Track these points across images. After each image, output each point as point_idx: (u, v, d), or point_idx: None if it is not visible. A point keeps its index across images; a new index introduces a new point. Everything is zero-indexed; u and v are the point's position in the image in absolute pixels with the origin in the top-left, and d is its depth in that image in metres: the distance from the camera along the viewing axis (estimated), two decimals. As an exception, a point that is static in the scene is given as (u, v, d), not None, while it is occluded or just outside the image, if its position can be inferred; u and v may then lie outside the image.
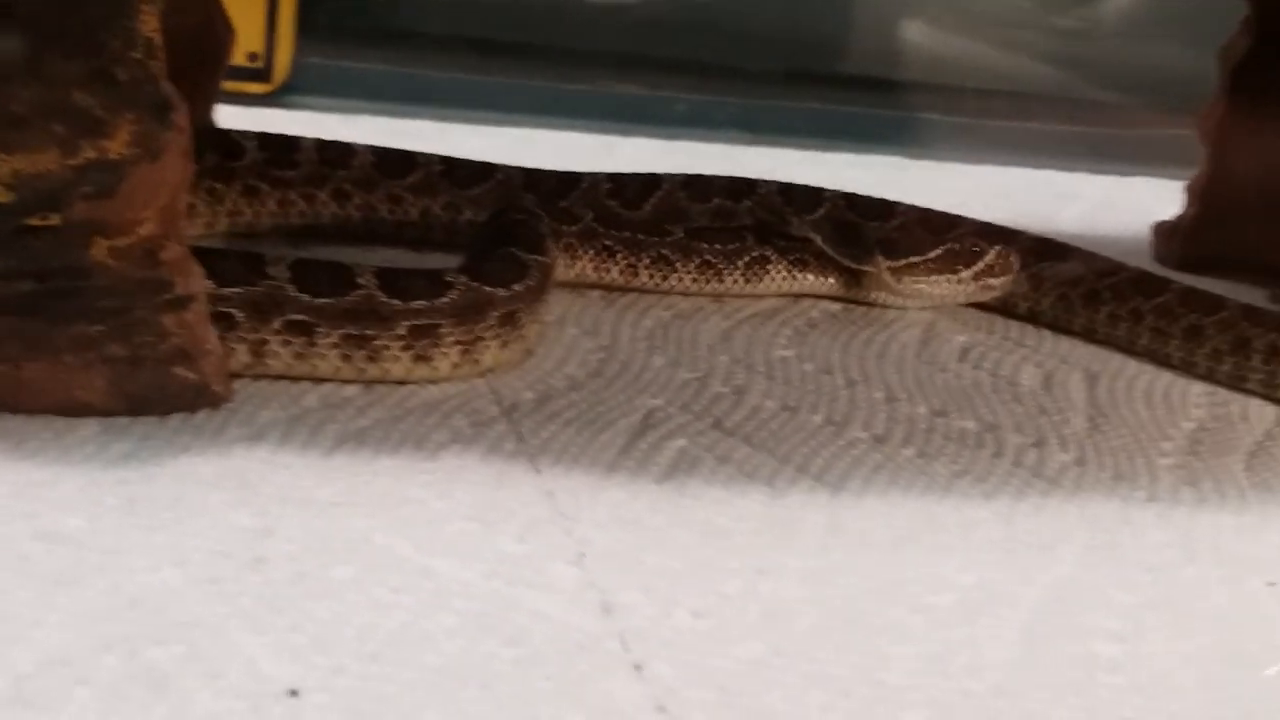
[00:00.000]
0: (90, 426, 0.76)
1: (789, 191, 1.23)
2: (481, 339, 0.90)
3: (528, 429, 0.84)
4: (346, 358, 0.86)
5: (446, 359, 0.89)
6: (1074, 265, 1.18)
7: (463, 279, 0.89)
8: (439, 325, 0.88)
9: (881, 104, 1.92)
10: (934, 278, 1.12)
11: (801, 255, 1.13)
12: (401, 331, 0.86)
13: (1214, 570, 0.79)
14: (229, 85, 1.58)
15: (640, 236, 1.10)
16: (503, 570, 0.68)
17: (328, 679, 0.57)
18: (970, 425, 0.95)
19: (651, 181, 1.21)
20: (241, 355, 0.84)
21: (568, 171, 1.20)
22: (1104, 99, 2.14)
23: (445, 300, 0.88)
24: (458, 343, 0.89)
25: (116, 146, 0.72)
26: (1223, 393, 1.08)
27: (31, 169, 0.70)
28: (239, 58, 1.60)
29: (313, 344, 0.85)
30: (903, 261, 1.12)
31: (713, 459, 0.84)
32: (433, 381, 0.89)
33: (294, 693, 0.56)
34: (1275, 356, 1.06)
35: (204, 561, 0.64)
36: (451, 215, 1.16)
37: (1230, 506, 0.88)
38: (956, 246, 1.13)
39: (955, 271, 1.12)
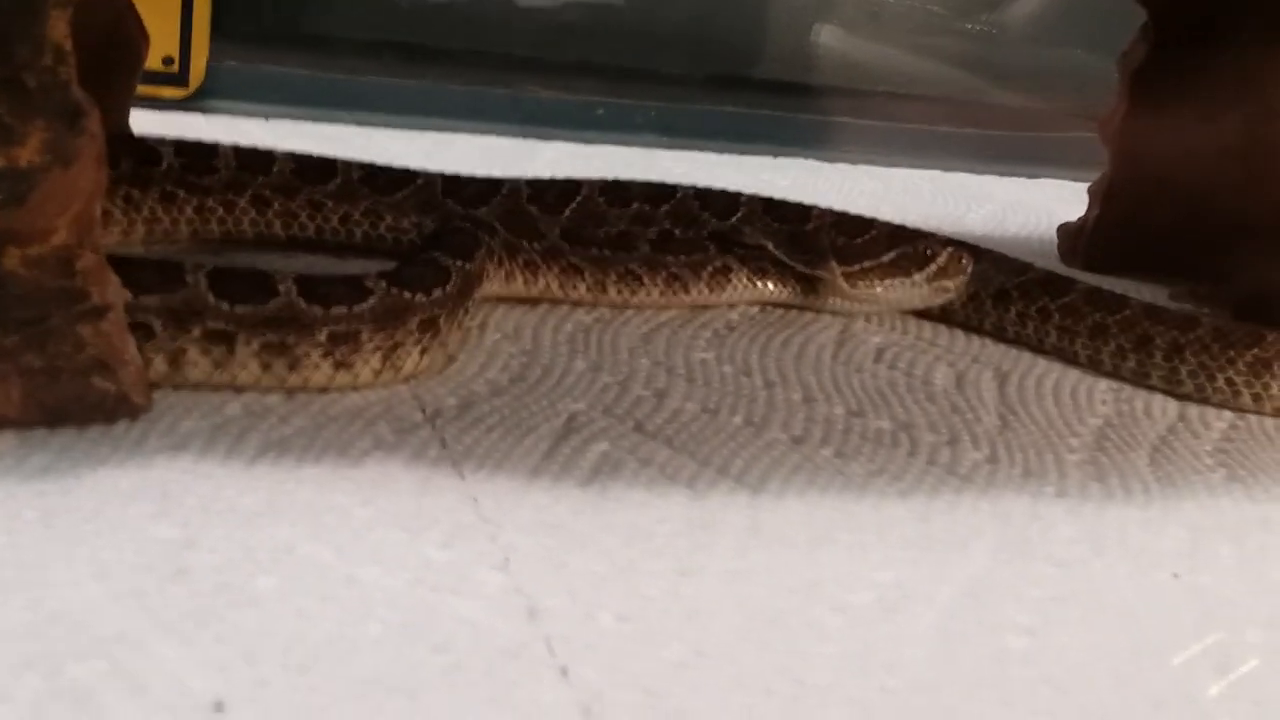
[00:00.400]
0: (7, 440, 0.75)
1: (706, 196, 1.25)
2: (402, 345, 0.90)
3: (451, 435, 0.85)
4: (267, 366, 0.86)
5: (367, 366, 0.89)
6: (985, 266, 1.21)
7: (382, 284, 0.89)
8: (359, 331, 0.88)
9: (796, 108, 1.95)
10: (888, 281, 1.14)
11: (761, 263, 1.14)
12: (322, 339, 0.86)
13: (1121, 563, 0.82)
14: (145, 90, 1.56)
15: (607, 253, 1.10)
16: (428, 577, 0.68)
17: (253, 691, 0.57)
18: (886, 425, 0.97)
19: (571, 187, 1.21)
20: (160, 365, 0.83)
21: (488, 177, 1.21)
22: (1011, 102, 2.19)
23: (365, 306, 0.88)
24: (378, 349, 0.89)
25: (27, 154, 0.71)
26: (1127, 389, 1.11)
27: (-59, 179, 0.69)
28: (154, 62, 1.58)
29: (232, 352, 0.85)
30: (856, 266, 1.14)
31: (635, 462, 0.85)
32: (354, 389, 0.89)
33: (219, 706, 0.56)
34: (1176, 353, 1.09)
35: (126, 575, 0.64)
36: (372, 221, 1.16)
37: (1136, 501, 0.91)
38: (909, 250, 1.14)
39: (909, 274, 1.14)
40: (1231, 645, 0.73)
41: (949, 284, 1.15)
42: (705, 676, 0.64)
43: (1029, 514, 0.86)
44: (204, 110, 1.60)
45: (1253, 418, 1.08)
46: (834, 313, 1.16)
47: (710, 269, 1.13)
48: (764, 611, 0.70)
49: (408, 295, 0.90)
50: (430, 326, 0.91)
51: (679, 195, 1.24)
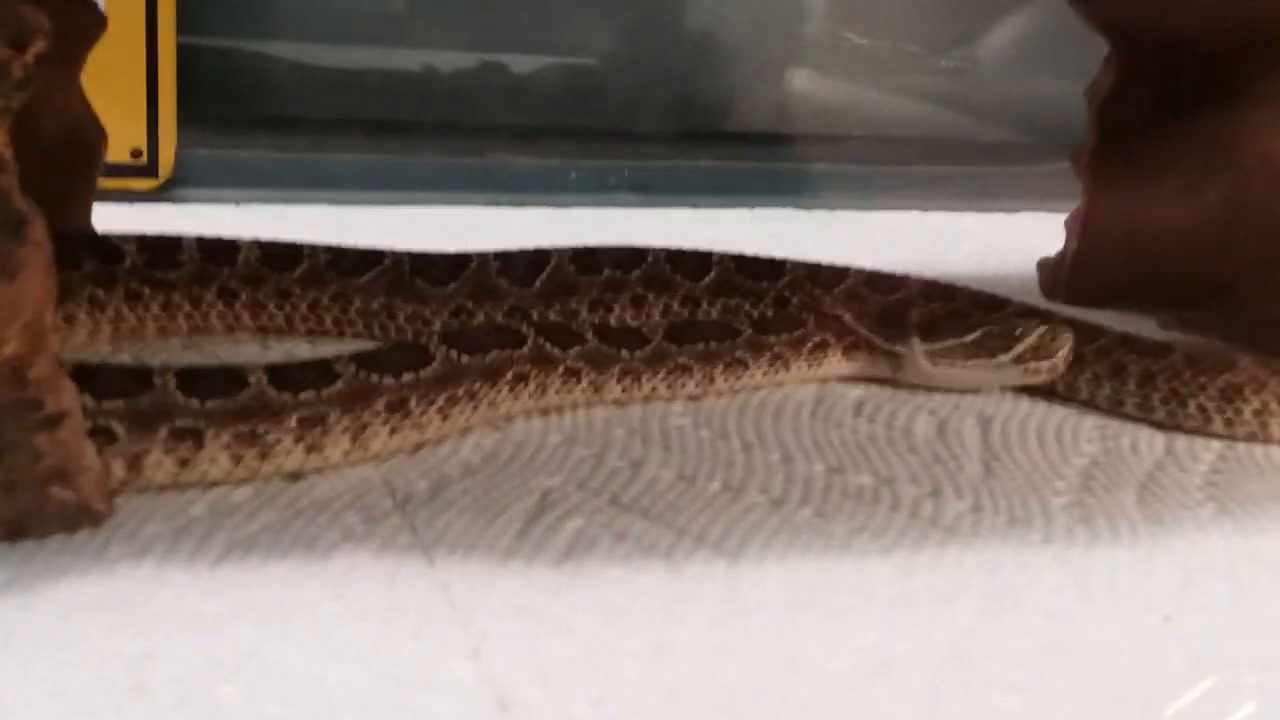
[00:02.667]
0: (-35, 556, 0.74)
1: (678, 258, 1.24)
2: (369, 425, 0.89)
3: (421, 521, 0.83)
4: (238, 459, 0.85)
5: (337, 447, 0.88)
6: (960, 304, 1.20)
7: (351, 368, 0.89)
8: (327, 414, 0.87)
9: (771, 158, 1.95)
10: (972, 362, 1.08)
11: (854, 338, 1.11)
12: (292, 424, 0.86)
13: (1110, 609, 0.80)
14: (115, 183, 1.57)
15: (713, 346, 1.07)
16: (396, 673, 0.67)
17: (214, 807, 0.56)
18: (867, 480, 0.95)
19: (540, 257, 1.21)
20: (119, 470, 0.82)
21: (456, 253, 1.20)
22: (988, 137, 2.18)
23: (333, 389, 0.87)
24: (346, 430, 0.88)
25: (-30, 269, 0.70)
26: (1114, 424, 1.10)
27: (-119, 299, 0.68)
28: (122, 154, 1.59)
29: (201, 447, 0.84)
30: (939, 345, 1.09)
31: (610, 537, 0.84)
32: (327, 468, 0.88)
33: (179, 825, 0.54)
34: (1148, 380, 1.08)
35: (83, 692, 0.63)
36: (341, 305, 1.15)
37: (1124, 541, 0.89)
38: (996, 329, 1.08)
39: (993, 355, 1.08)
40: (1226, 690, 0.72)
41: (1040, 365, 1.08)
42: (683, 760, 0.62)
43: (1015, 563, 0.85)
44: (175, 200, 1.61)
45: (1242, 447, 1.07)
46: (922, 388, 1.12)
47: (810, 345, 1.11)
48: (743, 686, 0.68)
49: (375, 378, 0.90)
50: (398, 407, 0.91)
51: (650, 259, 1.23)
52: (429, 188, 1.73)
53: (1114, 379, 1.11)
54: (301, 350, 1.12)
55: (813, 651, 0.72)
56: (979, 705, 0.68)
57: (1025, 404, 1.13)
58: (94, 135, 1.13)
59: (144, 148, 1.59)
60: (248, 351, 1.11)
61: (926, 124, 2.17)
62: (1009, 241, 1.77)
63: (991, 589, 0.81)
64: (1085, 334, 1.13)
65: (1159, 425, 1.10)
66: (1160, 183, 1.38)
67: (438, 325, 1.15)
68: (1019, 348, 1.07)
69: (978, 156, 2.10)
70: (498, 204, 1.71)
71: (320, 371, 0.88)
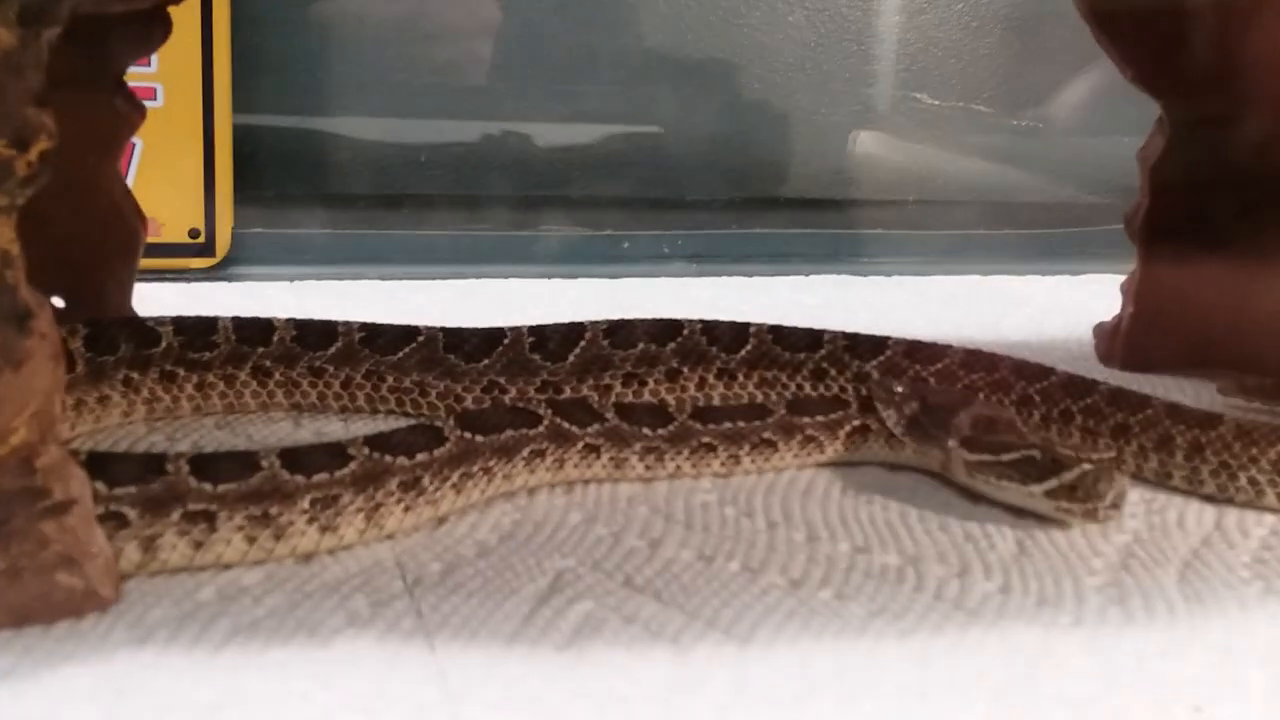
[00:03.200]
0: (-29, 643, 0.75)
1: (714, 330, 1.23)
2: (383, 505, 0.89)
3: (429, 604, 0.82)
4: (252, 540, 0.85)
5: (351, 526, 0.88)
6: (1004, 374, 1.17)
7: (365, 450, 0.90)
8: (340, 495, 0.88)
9: (826, 223, 1.94)
10: (1004, 483, 0.99)
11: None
12: (305, 505, 0.86)
13: (1137, 698, 0.76)
14: (174, 263, 1.61)
15: (741, 425, 1.05)
16: (381, 766, 0.66)
17: None
18: (892, 560, 0.93)
19: (575, 330, 1.20)
20: (133, 553, 0.83)
21: (489, 328, 1.20)
22: (1056, 198, 2.15)
23: (345, 471, 0.88)
24: (359, 510, 0.88)
25: (-25, 361, 0.72)
26: (1160, 498, 1.06)
27: (-112, 391, 0.70)
28: (180, 235, 1.62)
29: (214, 530, 0.84)
30: (975, 457, 1.01)
31: (618, 620, 0.82)
32: (342, 549, 0.88)
33: None
34: (1197, 452, 1.04)
35: (64, 785, 0.63)
36: (374, 383, 1.16)
37: (1159, 624, 0.85)
38: (1038, 454, 0.98)
39: (1024, 484, 0.98)
40: (1253, 787, 0.68)
41: (1073, 507, 0.97)
42: None
43: (1040, 648, 0.81)
44: (231, 278, 1.63)
45: (1297, 520, 1.02)
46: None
47: (849, 428, 1.08)
48: (737, 781, 0.66)
49: (388, 459, 0.90)
50: (412, 487, 0.91)
51: (685, 331, 1.22)
52: (482, 260, 1.75)
53: (1161, 451, 1.07)
54: (333, 428, 1.13)
55: (814, 744, 0.70)
56: (984, 803, 0.65)
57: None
58: (133, 221, 1.15)
59: (201, 228, 1.62)
60: (281, 429, 1.12)
61: (991, 186, 2.14)
62: (1070, 305, 1.73)
63: (1011, 676, 0.78)
64: (1131, 404, 1.10)
65: (1209, 499, 1.06)
66: (1217, 244, 1.34)
67: (470, 401, 1.15)
68: (1052, 483, 0.97)
69: (1043, 218, 2.06)
70: (549, 276, 1.72)
71: (333, 454, 0.89)
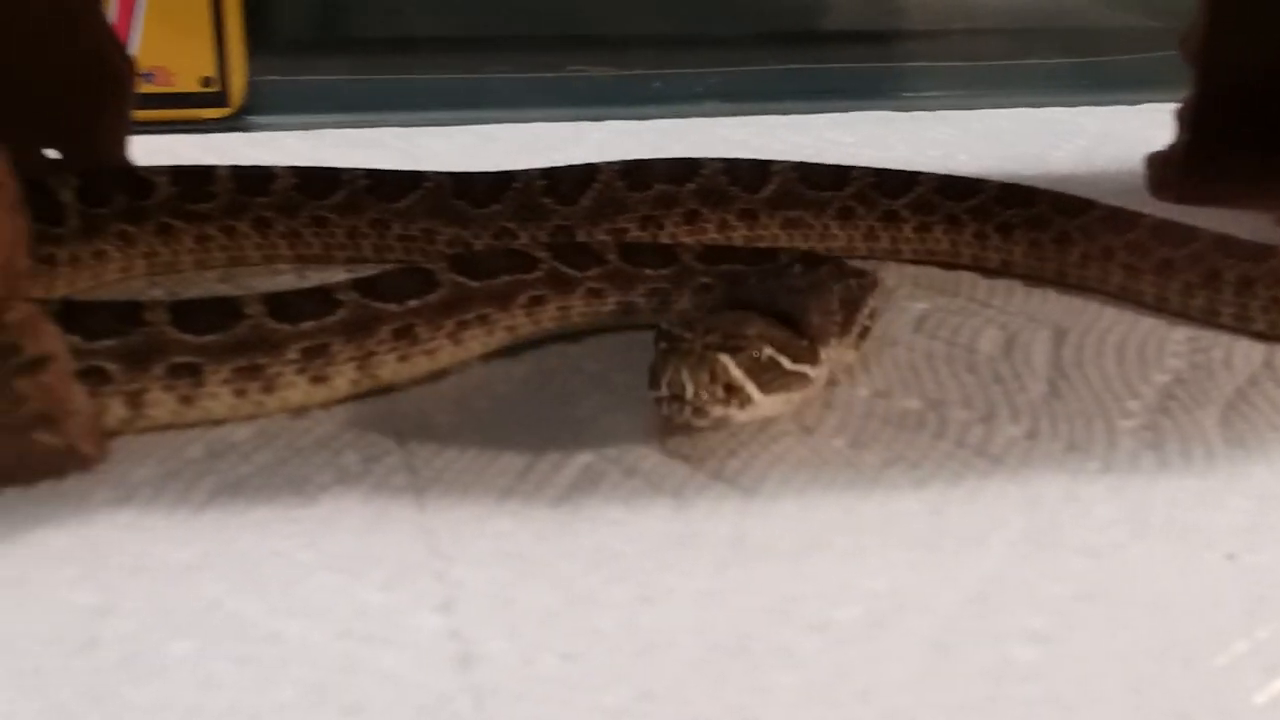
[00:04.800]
0: (-51, 504, 0.73)
1: (735, 169, 1.17)
2: (375, 354, 0.86)
3: (422, 459, 0.79)
4: (241, 393, 0.83)
5: (343, 377, 0.85)
6: (1041, 209, 1.11)
7: (353, 294, 0.86)
8: (330, 344, 0.84)
9: (865, 57, 1.84)
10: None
11: None
12: (294, 355, 0.83)
13: (1165, 546, 0.72)
14: (187, 113, 1.56)
15: (750, 266, 0.96)
16: (358, 627, 0.63)
17: (135, 775, 0.53)
18: (914, 404, 0.88)
19: (588, 173, 1.15)
20: (118, 410, 0.80)
21: (499, 173, 1.15)
22: (1112, 23, 2.03)
23: (334, 319, 0.85)
24: (350, 359, 0.85)
25: (-75, 214, 0.68)
26: (1207, 336, 1.00)
27: None
28: (192, 84, 1.57)
29: (201, 384, 0.81)
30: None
31: (618, 472, 0.78)
32: (336, 402, 0.85)
33: (95, 794, 0.52)
34: (1246, 288, 0.98)
35: (32, 650, 0.61)
36: (380, 231, 1.11)
37: (1195, 469, 0.80)
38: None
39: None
40: (1284, 639, 0.63)
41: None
42: (646, 723, 0.57)
43: (1064, 496, 0.77)
44: (248, 128, 1.59)
45: (1352, 357, 0.96)
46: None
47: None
48: (729, 639, 0.63)
49: (378, 305, 0.86)
50: (407, 334, 0.87)
51: (704, 171, 1.16)
52: (505, 104, 1.68)
53: (1207, 287, 1.01)
54: (339, 280, 1.09)
55: (813, 600, 0.66)
56: (989, 660, 0.62)
57: (1109, 315, 1.04)
58: (120, 65, 1.10)
59: (214, 76, 1.57)
60: (284, 282, 1.08)
61: (1042, 11, 2.03)
62: (1125, 135, 1.64)
63: (1031, 526, 0.74)
64: (1177, 238, 1.03)
65: (1259, 336, 0.99)
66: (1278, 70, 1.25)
67: (479, 247, 1.11)
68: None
69: (1099, 44, 1.95)
70: (574, 119, 1.65)
71: (320, 300, 0.85)
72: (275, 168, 1.12)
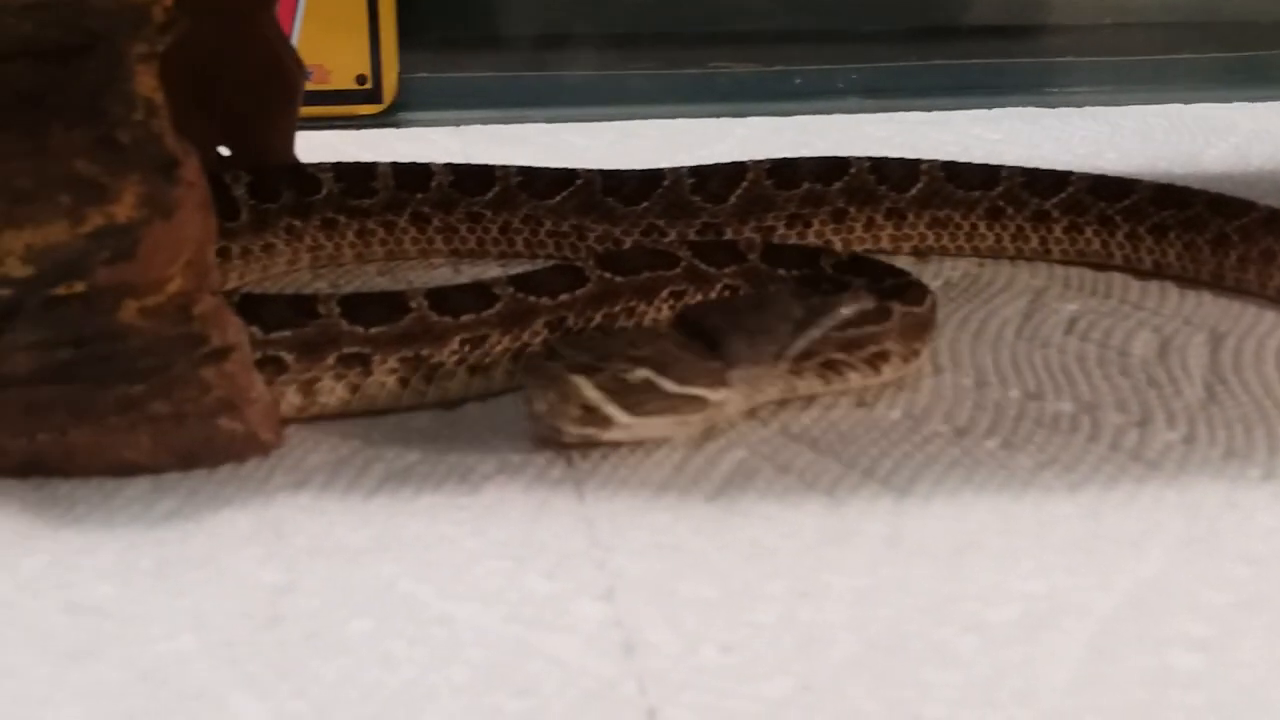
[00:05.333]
0: (140, 485, 0.77)
1: (883, 167, 1.17)
2: (530, 345, 0.89)
3: (578, 452, 0.82)
4: (404, 382, 0.86)
5: (500, 367, 0.89)
6: (1198, 210, 1.09)
7: (509, 289, 0.89)
8: (488, 335, 0.88)
9: (1012, 53, 1.82)
10: None
11: None
12: (455, 346, 0.86)
13: (1330, 557, 0.71)
14: (341, 110, 1.61)
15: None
16: (525, 612, 0.66)
17: (323, 745, 0.56)
18: (1066, 407, 0.88)
19: (736, 170, 1.16)
20: (292, 398, 0.84)
21: (649, 170, 1.17)
22: (1263, 17, 1.97)
23: (492, 311, 0.88)
24: (507, 350, 0.89)
25: (124, 210, 0.72)
26: (1377, 341, 0.98)
27: (43, 242, 0.71)
28: (347, 81, 1.62)
29: (369, 373, 0.85)
30: None
31: (772, 469, 0.80)
32: (492, 395, 0.88)
33: (287, 762, 0.55)
34: None
35: (221, 625, 0.64)
36: (532, 227, 1.14)
37: (1362, 477, 0.79)
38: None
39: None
40: None
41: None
42: (806, 715, 0.58)
43: (1224, 502, 0.76)
44: (399, 124, 1.63)
45: None
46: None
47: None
48: (886, 636, 0.64)
49: (533, 299, 0.89)
50: (559, 327, 0.90)
51: (853, 169, 1.16)
52: (649, 100, 1.70)
53: None
54: (492, 274, 1.12)
55: (970, 600, 0.67)
56: (1150, 666, 0.62)
57: (1269, 319, 1.02)
58: (292, 68, 1.15)
59: (368, 74, 1.62)
60: (440, 275, 1.12)
61: (1195, 5, 1.98)
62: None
63: (1191, 532, 0.73)
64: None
65: None
66: None
67: (628, 245, 1.13)
68: None
69: (1253, 39, 1.90)
70: (717, 115, 1.67)
71: (479, 294, 0.89)
72: (432, 165, 1.15)
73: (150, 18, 0.71)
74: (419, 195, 1.13)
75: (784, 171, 1.16)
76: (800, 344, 0.86)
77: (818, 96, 1.74)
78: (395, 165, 1.15)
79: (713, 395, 0.81)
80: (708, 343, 0.83)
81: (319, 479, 0.78)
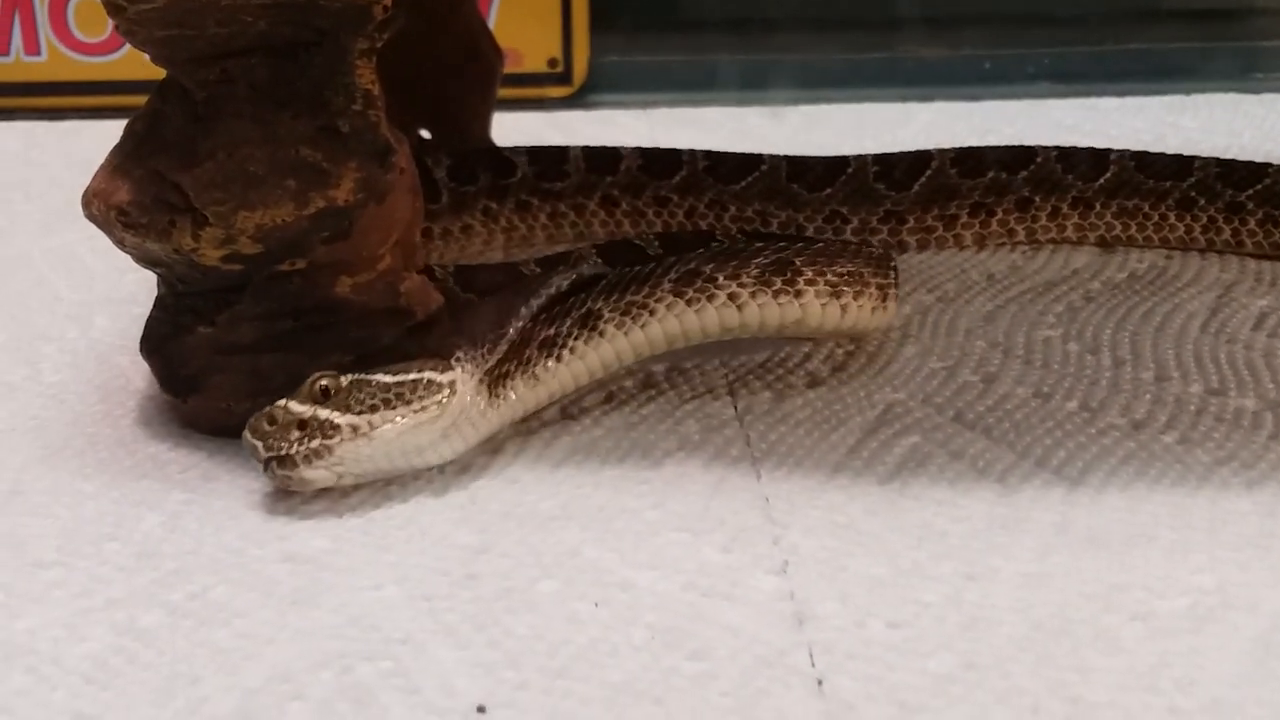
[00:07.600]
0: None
1: (1070, 156, 1.16)
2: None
3: (756, 432, 0.85)
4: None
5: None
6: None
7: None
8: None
9: (1210, 35, 1.77)
10: None
11: None
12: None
13: None
14: (533, 92, 1.67)
15: None
16: (701, 582, 0.69)
17: (513, 694, 0.61)
18: (1249, 404, 0.87)
19: (921, 158, 1.17)
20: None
21: (834, 157, 1.19)
22: None
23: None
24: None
25: (343, 194, 0.78)
26: None
27: (271, 222, 0.77)
28: (540, 64, 1.68)
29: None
30: None
31: (944, 455, 0.82)
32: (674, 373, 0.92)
33: (481, 709, 0.60)
34: None
35: (422, 579, 0.70)
36: (717, 212, 1.18)
37: None
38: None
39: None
40: None
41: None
42: (969, 691, 0.61)
43: None
44: (588, 106, 1.68)
45: None
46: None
47: None
48: (1052, 620, 0.66)
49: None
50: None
51: (1039, 158, 1.16)
52: (834, 84, 1.72)
53: None
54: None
55: (1137, 590, 0.68)
56: (1321, 664, 0.62)
57: None
58: (490, 55, 1.21)
59: (559, 57, 1.67)
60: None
61: None
62: None
63: (1372, 534, 0.73)
64: None
65: None
66: None
67: (811, 231, 1.16)
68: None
69: None
70: (903, 99, 1.67)
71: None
72: (622, 148, 1.19)
73: (372, 15, 0.76)
74: (608, 179, 1.18)
75: (969, 159, 1.17)
76: (517, 323, 0.83)
77: (1006, 81, 1.73)
78: (586, 149, 1.19)
79: (440, 377, 0.77)
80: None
81: (511, 448, 0.83)
